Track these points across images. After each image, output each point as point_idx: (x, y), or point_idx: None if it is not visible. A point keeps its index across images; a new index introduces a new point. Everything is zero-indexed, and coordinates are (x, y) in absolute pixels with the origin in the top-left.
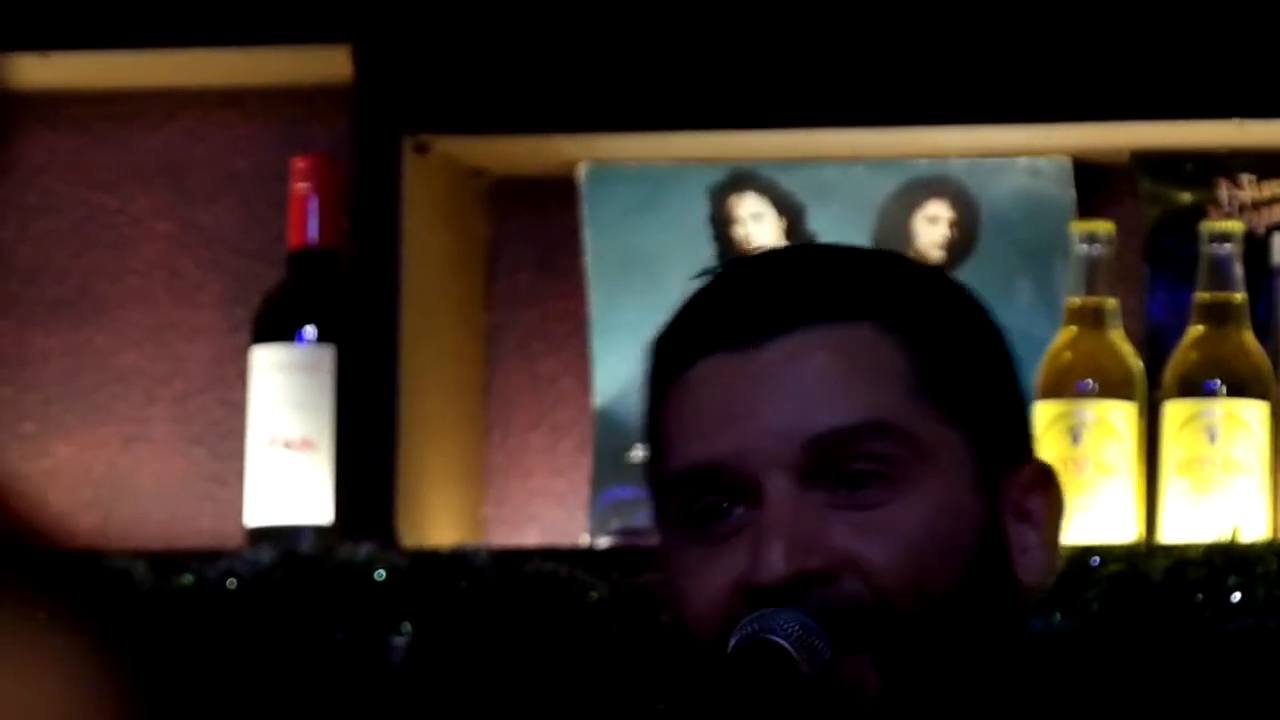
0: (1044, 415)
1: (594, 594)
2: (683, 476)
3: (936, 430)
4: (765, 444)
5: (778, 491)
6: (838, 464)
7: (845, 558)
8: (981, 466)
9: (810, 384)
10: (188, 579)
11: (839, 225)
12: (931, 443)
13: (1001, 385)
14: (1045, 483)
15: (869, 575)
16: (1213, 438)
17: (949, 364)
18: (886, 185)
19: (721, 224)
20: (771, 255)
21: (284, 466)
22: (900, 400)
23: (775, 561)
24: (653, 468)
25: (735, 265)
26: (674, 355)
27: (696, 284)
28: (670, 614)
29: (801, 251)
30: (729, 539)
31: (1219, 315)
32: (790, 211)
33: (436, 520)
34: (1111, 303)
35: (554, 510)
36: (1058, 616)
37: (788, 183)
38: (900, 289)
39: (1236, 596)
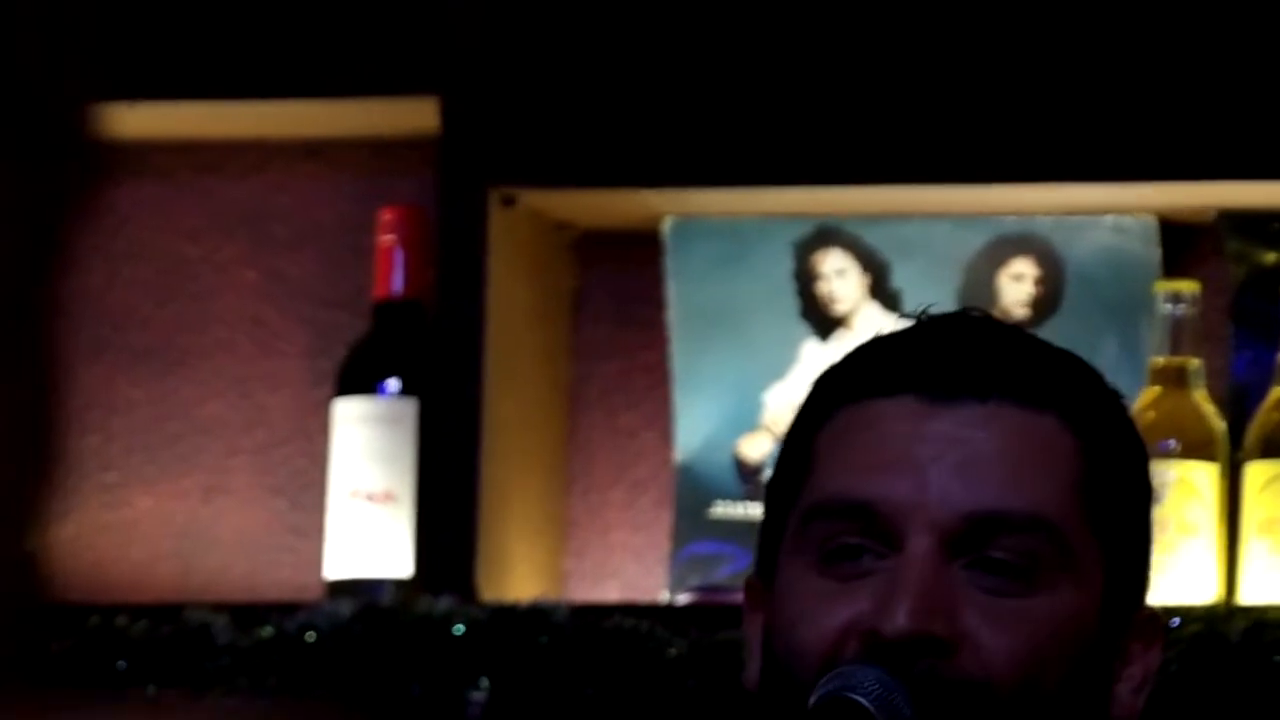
0: None
1: (673, 650)
2: (830, 507)
3: (1085, 539)
4: (926, 501)
5: (920, 549)
6: (986, 545)
7: (967, 635)
8: (1109, 590)
9: (989, 458)
10: (267, 631)
11: (924, 282)
12: (1078, 550)
13: (1144, 516)
14: (1156, 633)
15: (985, 659)
16: None
17: (1111, 478)
18: (972, 242)
19: (805, 279)
20: (976, 320)
21: (365, 519)
22: (1064, 500)
23: (902, 615)
24: (786, 485)
25: (940, 320)
26: (859, 382)
27: (887, 327)
28: (761, 634)
29: (1002, 326)
30: (853, 581)
31: None
32: (875, 267)
33: (516, 574)
34: (1195, 362)
35: (634, 565)
36: None
37: (872, 238)
38: (1082, 391)
39: None
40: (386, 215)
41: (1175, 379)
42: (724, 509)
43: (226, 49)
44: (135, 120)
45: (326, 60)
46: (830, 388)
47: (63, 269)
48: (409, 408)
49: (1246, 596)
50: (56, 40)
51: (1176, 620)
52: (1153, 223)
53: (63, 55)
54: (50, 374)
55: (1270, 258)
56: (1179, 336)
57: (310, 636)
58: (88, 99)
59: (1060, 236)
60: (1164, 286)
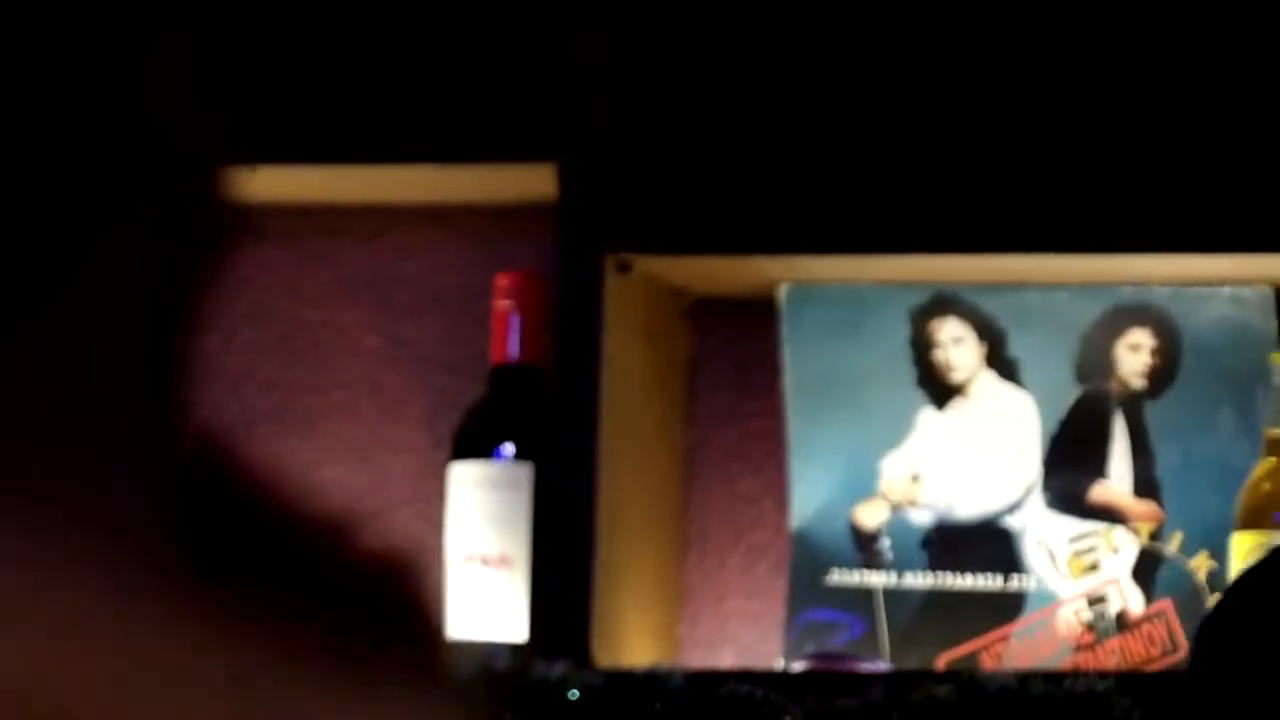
0: (1242, 546)
1: (788, 717)
2: None
3: None
4: None
5: None
6: None
7: None
8: None
9: None
10: None
11: (1041, 351)
12: None
13: None
14: None
15: None
16: None
17: None
18: (1089, 311)
19: (922, 347)
20: None
21: (481, 583)
22: None
23: None
24: None
25: None
26: None
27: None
28: None
29: None
30: None
31: None
32: (992, 336)
33: (631, 640)
34: None
35: (749, 632)
36: None
37: (989, 306)
38: None
39: None
40: (503, 281)
41: None
42: (840, 576)
43: (349, 114)
44: (259, 184)
45: (447, 126)
46: None
47: (187, 333)
48: (525, 472)
49: None
50: (187, 103)
51: None
52: (1270, 294)
53: (193, 118)
54: (176, 437)
55: None
56: None
57: None
58: (217, 162)
59: (1178, 307)
60: None
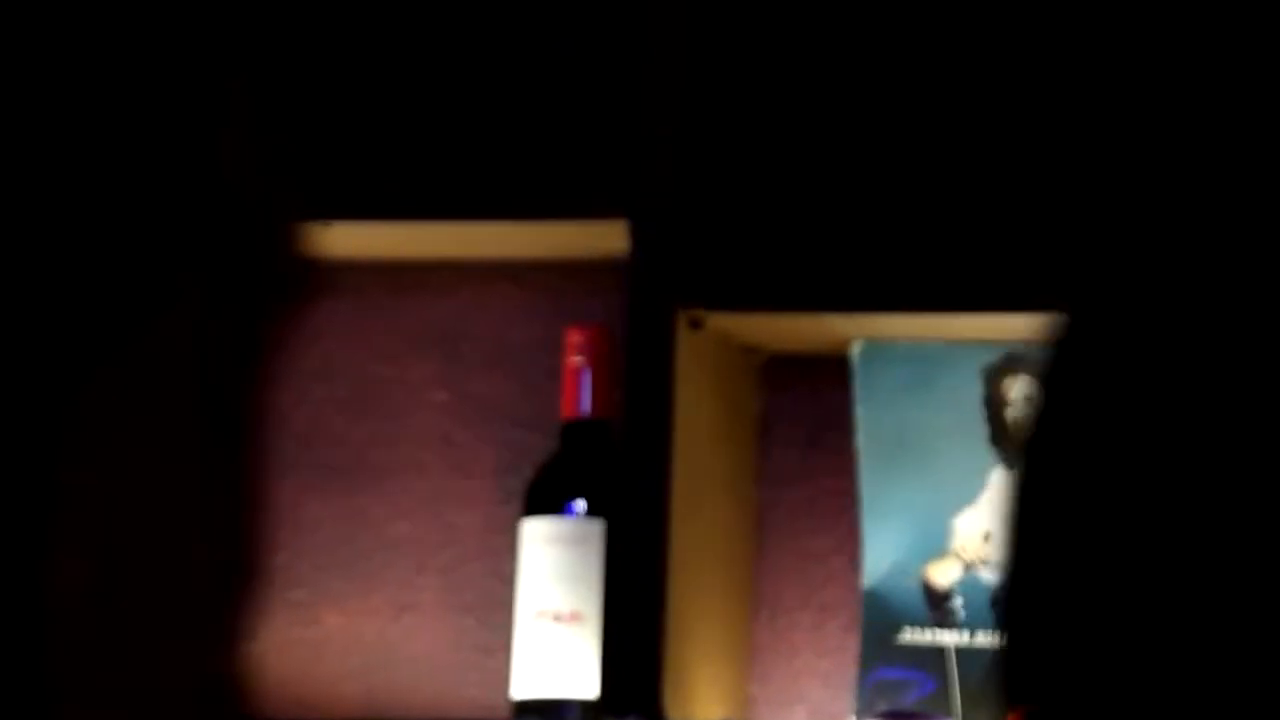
0: None
1: None
2: None
3: None
4: None
5: None
6: None
7: None
8: None
9: None
10: None
11: None
12: None
13: None
14: None
15: None
16: None
17: None
18: None
19: (994, 405)
20: None
21: (552, 639)
22: None
23: None
24: None
25: None
26: None
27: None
28: None
29: None
30: None
31: None
32: None
33: (702, 697)
34: None
35: (820, 690)
36: None
37: None
38: None
39: None
40: (574, 336)
41: None
42: (911, 635)
43: (421, 170)
44: (329, 239)
45: (518, 182)
46: None
47: (259, 386)
48: (596, 528)
49: None
50: (261, 159)
51: None
52: None
53: (268, 174)
54: (246, 490)
55: None
56: None
57: None
58: (291, 218)
59: None
60: None
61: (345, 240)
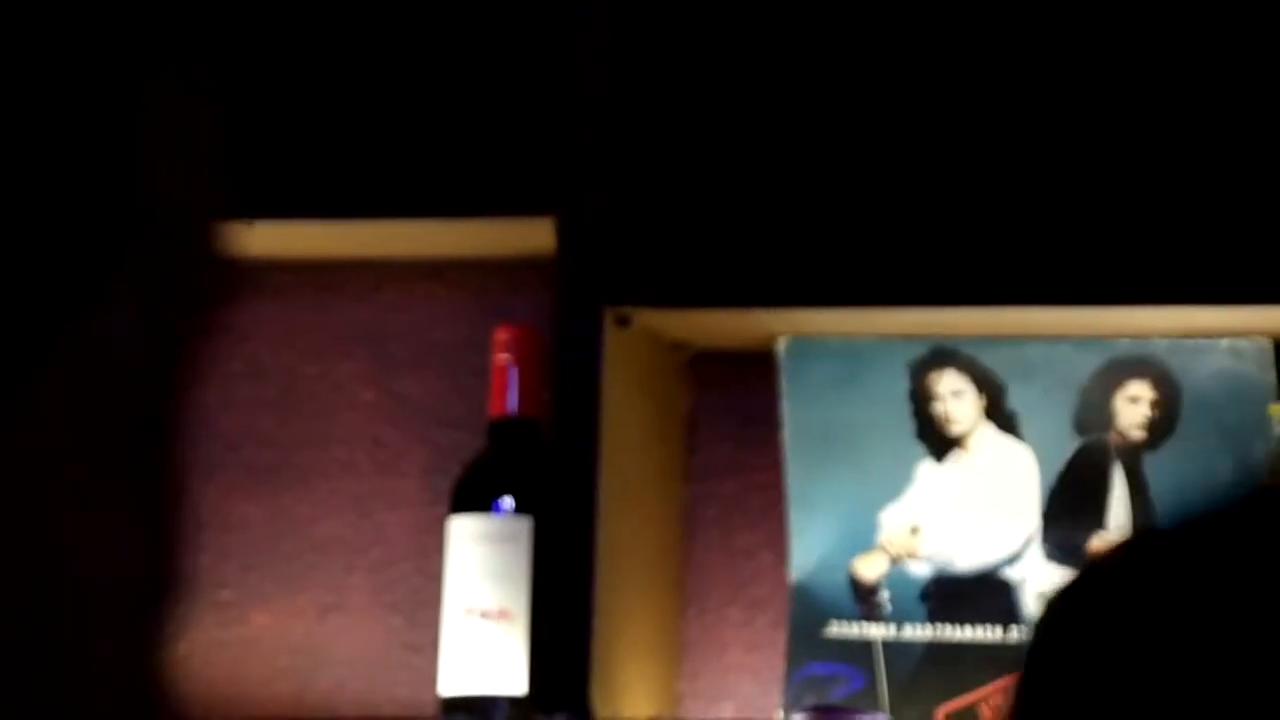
0: None
1: None
2: None
3: None
4: None
5: None
6: None
7: None
8: None
9: None
10: None
11: (1041, 404)
12: None
13: None
14: None
15: None
16: None
17: None
18: (1088, 364)
19: (921, 400)
20: None
21: (480, 637)
22: None
23: None
24: None
25: None
26: None
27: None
28: None
29: None
30: None
31: None
32: (991, 389)
33: (632, 694)
34: None
35: (749, 686)
36: None
37: (989, 360)
38: None
39: None
40: (502, 334)
41: None
42: (840, 629)
43: (345, 169)
44: (253, 239)
45: (444, 180)
46: None
47: (184, 388)
48: (524, 526)
49: None
50: (182, 158)
51: None
52: (1268, 346)
53: (189, 173)
54: (171, 492)
55: None
56: None
57: None
58: (212, 217)
59: (1176, 359)
60: (1278, 410)
61: (269, 240)
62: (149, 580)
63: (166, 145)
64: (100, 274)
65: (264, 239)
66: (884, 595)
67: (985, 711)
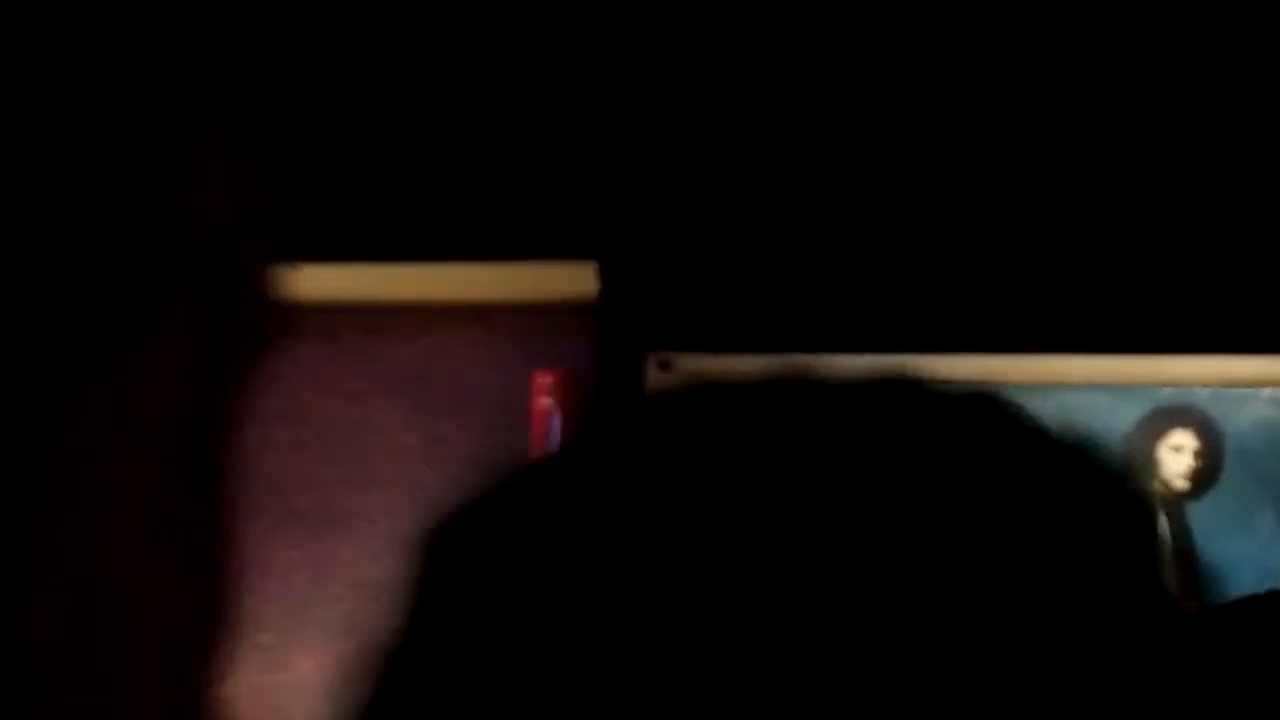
0: None
1: None
2: None
3: None
4: None
5: None
6: None
7: None
8: None
9: None
10: None
11: None
12: None
13: None
14: None
15: None
16: None
17: None
18: (1131, 413)
19: None
20: None
21: None
22: None
23: None
24: None
25: None
26: None
27: None
28: None
29: None
30: None
31: None
32: None
33: None
34: None
35: None
36: None
37: (1032, 407)
38: None
39: None
40: (544, 379)
41: None
42: None
43: (390, 213)
44: (298, 281)
45: (486, 225)
46: None
47: (230, 428)
48: None
49: None
50: (231, 201)
51: None
52: None
53: (239, 214)
54: (218, 532)
55: None
56: None
57: None
58: (263, 258)
59: (1219, 408)
60: None
61: (314, 282)
62: (194, 620)
63: (218, 186)
64: (150, 311)
65: (307, 281)
66: None
67: None
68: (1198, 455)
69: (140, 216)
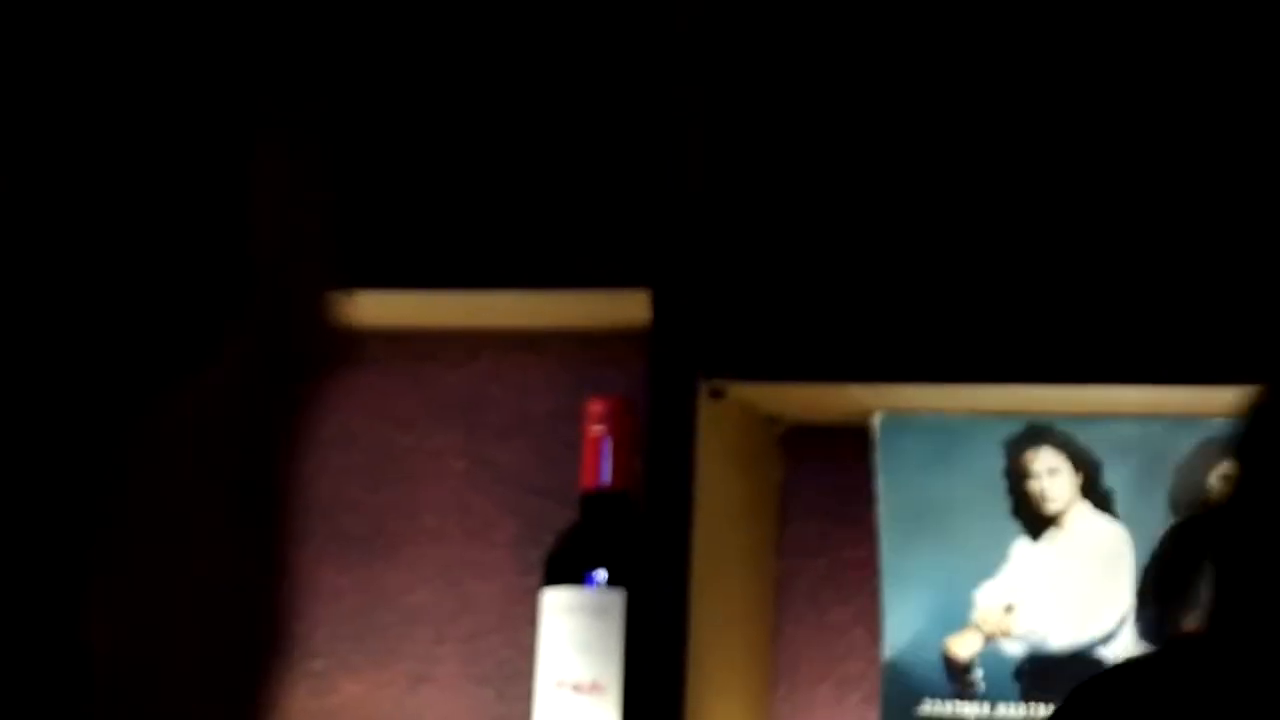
0: None
1: None
2: None
3: None
4: None
5: None
6: None
7: None
8: None
9: None
10: None
11: (1136, 482)
12: None
13: None
14: None
15: None
16: None
17: None
18: (1184, 443)
19: (1017, 477)
20: None
21: (571, 710)
22: None
23: None
24: None
25: None
26: None
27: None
28: None
29: None
30: None
31: None
32: (1087, 466)
33: None
34: None
35: None
36: None
37: (1085, 437)
38: None
39: None
40: (595, 406)
41: None
42: (932, 708)
43: (442, 239)
44: (353, 308)
45: (540, 251)
46: None
47: (290, 452)
48: (617, 599)
49: None
50: (294, 227)
51: None
52: None
53: (300, 241)
54: (277, 557)
55: None
56: None
57: None
58: (323, 285)
59: None
60: None
61: (367, 309)
62: (251, 645)
63: (279, 213)
64: (213, 336)
65: (362, 308)
66: (977, 673)
67: None
68: None
69: (203, 244)
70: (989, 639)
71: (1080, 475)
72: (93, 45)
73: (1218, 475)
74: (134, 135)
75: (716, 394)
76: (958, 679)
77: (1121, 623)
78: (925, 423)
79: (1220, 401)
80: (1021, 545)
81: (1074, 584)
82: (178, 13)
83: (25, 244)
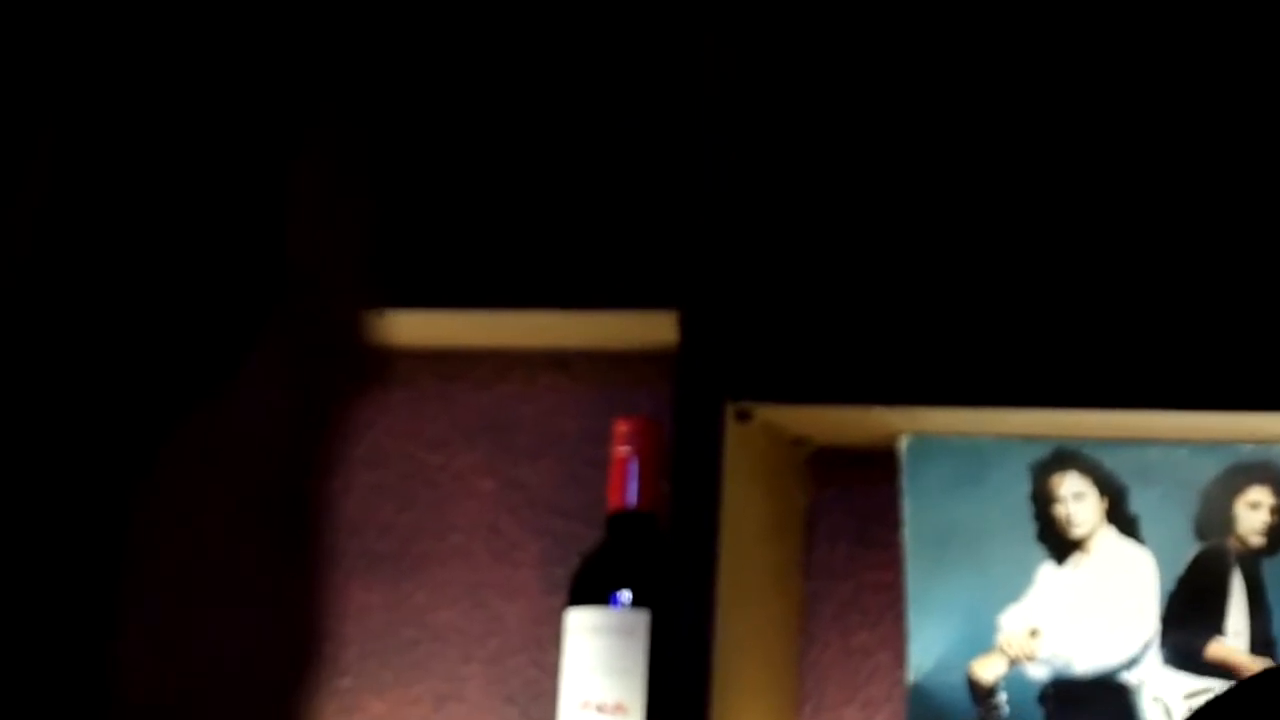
0: None
1: None
2: None
3: None
4: None
5: None
6: None
7: None
8: None
9: None
10: None
11: (1161, 507)
12: None
13: None
14: None
15: None
16: None
17: None
18: (1209, 469)
19: (1043, 501)
20: None
21: None
22: None
23: None
24: None
25: None
26: None
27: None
28: None
29: None
30: None
31: None
32: (1113, 492)
33: None
34: None
35: None
36: None
37: (1111, 462)
38: None
39: None
40: (622, 427)
41: None
42: None
43: (471, 260)
44: (383, 327)
45: (569, 273)
46: None
47: (323, 470)
48: (642, 620)
49: None
50: (330, 243)
51: None
52: None
53: (337, 257)
54: (308, 575)
55: None
56: None
57: None
58: (359, 303)
59: None
60: None
61: (396, 328)
62: (281, 663)
63: (315, 229)
64: (246, 351)
65: (390, 327)
66: (1002, 697)
67: None
68: (1275, 512)
69: (239, 257)
70: (1014, 663)
71: (1106, 500)
72: (134, 51)
73: (1242, 502)
74: (176, 146)
75: (743, 416)
76: (982, 703)
77: (1146, 648)
78: (952, 446)
79: (1246, 427)
80: (1047, 569)
81: (1099, 608)
82: (222, 20)
83: (64, 252)
